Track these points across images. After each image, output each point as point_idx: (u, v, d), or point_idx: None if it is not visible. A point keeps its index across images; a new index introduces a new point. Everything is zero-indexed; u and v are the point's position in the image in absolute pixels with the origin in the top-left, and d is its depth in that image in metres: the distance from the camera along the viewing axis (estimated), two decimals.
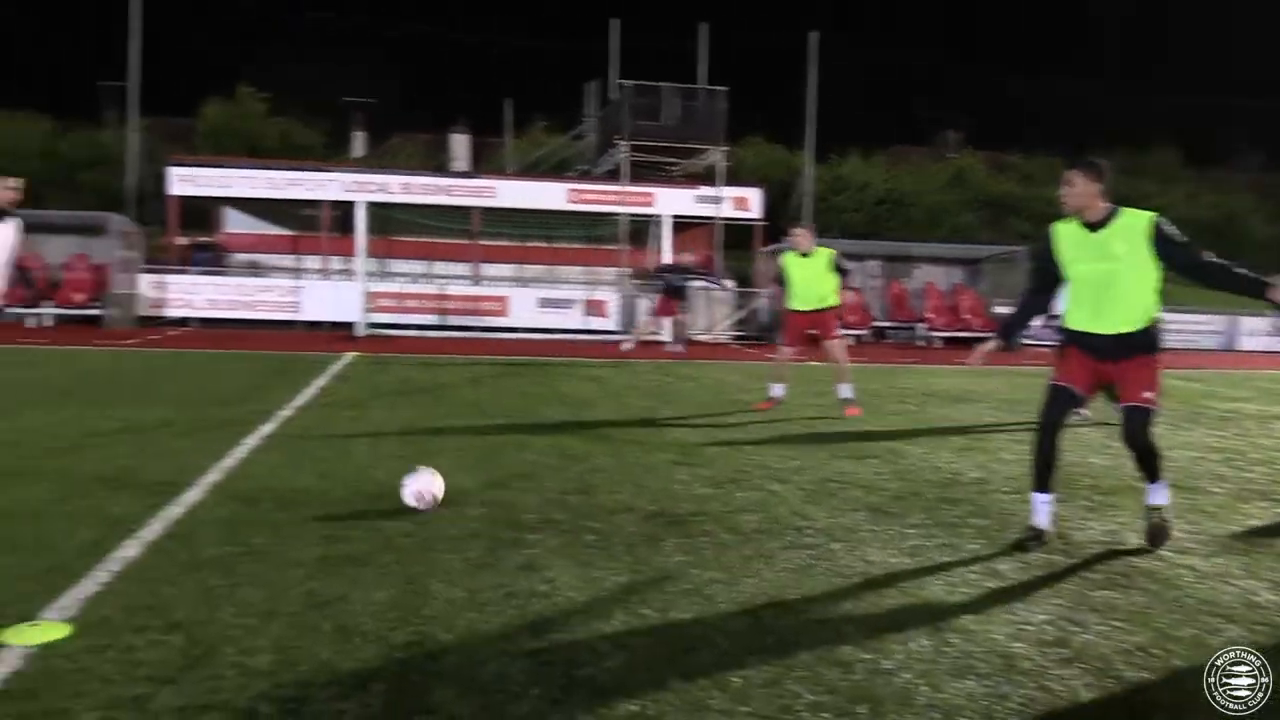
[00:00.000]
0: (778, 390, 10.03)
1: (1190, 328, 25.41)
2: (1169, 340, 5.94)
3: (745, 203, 25.41)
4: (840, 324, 10.14)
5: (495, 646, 3.36)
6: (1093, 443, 8.30)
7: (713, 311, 23.08)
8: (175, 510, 5.00)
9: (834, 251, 9.85)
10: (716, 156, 24.49)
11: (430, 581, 4.01)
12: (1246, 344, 26.65)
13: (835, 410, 9.83)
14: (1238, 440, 8.77)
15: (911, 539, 4.95)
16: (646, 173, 25.72)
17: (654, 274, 16.54)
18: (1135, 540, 5.03)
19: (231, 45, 50.48)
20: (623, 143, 24.01)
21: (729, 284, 23.64)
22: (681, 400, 10.51)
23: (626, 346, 16.34)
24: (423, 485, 5.15)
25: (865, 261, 25.33)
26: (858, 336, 23.35)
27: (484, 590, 3.93)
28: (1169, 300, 5.77)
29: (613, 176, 24.94)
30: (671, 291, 16.44)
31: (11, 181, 5.71)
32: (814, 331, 10.02)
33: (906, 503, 5.76)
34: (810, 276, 9.77)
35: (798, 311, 9.92)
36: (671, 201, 24.34)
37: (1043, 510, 4.93)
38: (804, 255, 9.79)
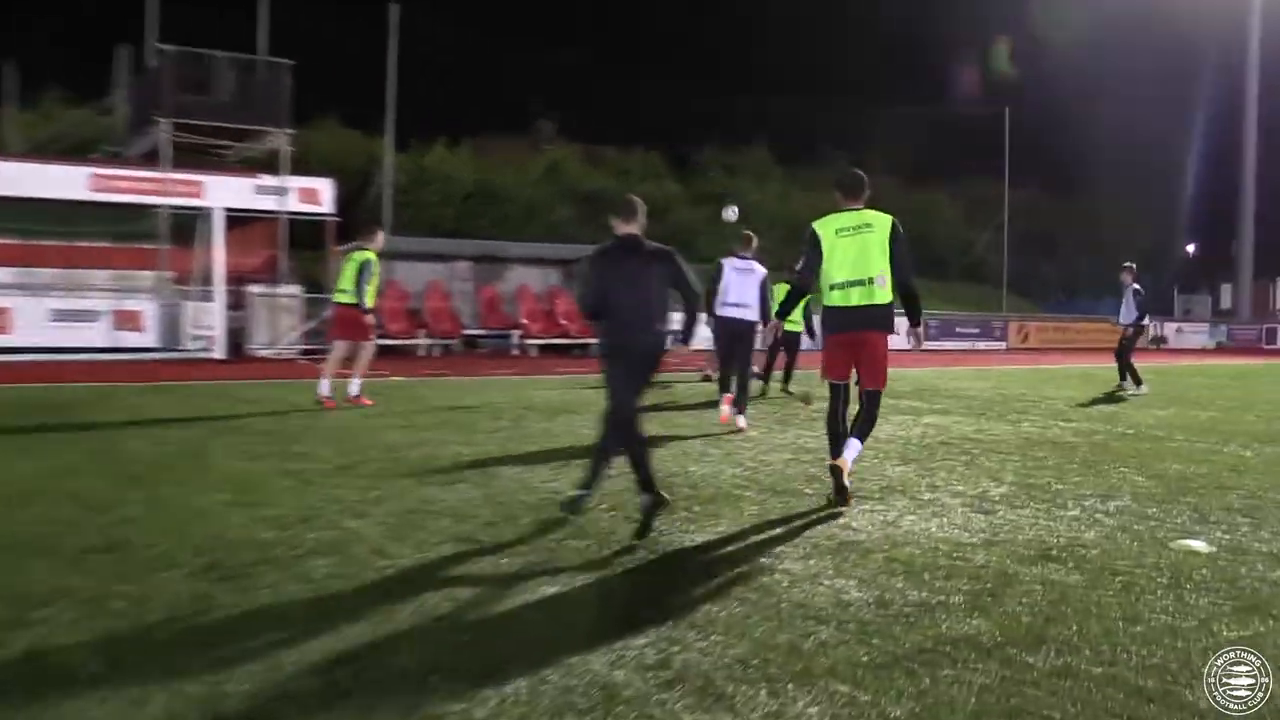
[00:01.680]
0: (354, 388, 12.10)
1: None
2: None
3: (315, 195, 24.51)
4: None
5: None
6: (691, 451, 8.96)
7: (277, 322, 22.09)
8: None
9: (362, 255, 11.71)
10: (280, 140, 23.49)
11: None
12: None
13: (423, 431, 9.86)
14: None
15: (506, 569, 5.03)
16: (194, 158, 24.11)
17: None
18: (732, 548, 5.50)
19: None
20: (163, 120, 22.31)
21: (295, 289, 22.76)
22: (238, 429, 9.96)
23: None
24: None
25: (453, 263, 25.50)
26: (446, 347, 23.50)
27: None
28: None
29: (150, 161, 23.10)
30: None
31: None
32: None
33: (500, 529, 5.85)
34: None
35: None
36: (225, 192, 22.97)
37: None
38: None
